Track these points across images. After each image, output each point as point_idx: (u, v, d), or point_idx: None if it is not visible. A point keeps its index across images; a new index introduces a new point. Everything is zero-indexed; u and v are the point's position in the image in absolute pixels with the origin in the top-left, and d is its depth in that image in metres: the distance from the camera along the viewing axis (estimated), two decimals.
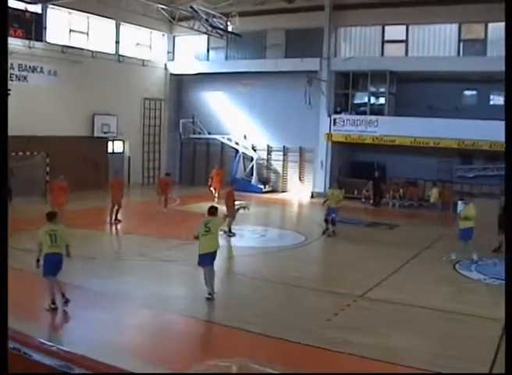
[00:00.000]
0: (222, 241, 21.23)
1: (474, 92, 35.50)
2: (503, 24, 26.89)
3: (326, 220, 23.82)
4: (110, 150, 37.09)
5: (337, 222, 23.94)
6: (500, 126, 29.28)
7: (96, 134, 34.80)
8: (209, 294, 13.71)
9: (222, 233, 21.77)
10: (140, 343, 11.49)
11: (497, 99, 34.83)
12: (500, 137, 29.35)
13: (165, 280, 15.95)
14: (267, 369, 4.11)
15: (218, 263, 18.80)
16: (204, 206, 28.12)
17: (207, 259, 13.92)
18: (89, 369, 4.27)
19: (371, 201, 33.77)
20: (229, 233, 22.22)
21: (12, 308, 5.04)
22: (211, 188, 31.63)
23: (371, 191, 34.06)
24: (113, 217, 24.37)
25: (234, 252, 20.54)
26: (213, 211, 14.62)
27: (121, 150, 38.19)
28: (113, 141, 37.07)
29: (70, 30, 33.61)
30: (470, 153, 33.79)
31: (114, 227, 24.53)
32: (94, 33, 35.31)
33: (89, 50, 34.50)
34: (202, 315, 12.84)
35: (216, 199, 30.60)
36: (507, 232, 6.31)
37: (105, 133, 35.35)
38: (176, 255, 18.44)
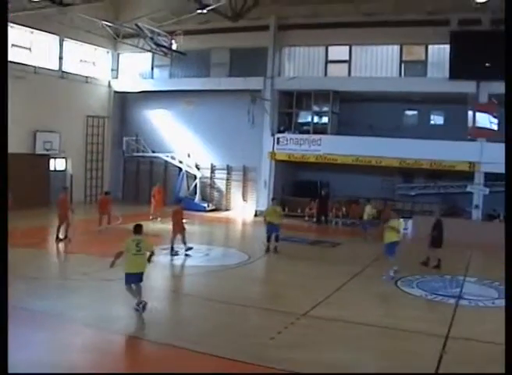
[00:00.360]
0: (165, 259, 21.28)
1: (414, 112, 36.27)
2: (442, 46, 27.67)
3: (269, 238, 23.94)
4: (52, 167, 36.55)
5: (280, 240, 24.06)
6: (440, 145, 30.18)
7: (38, 151, 34.25)
8: (138, 304, 13.88)
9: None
10: (81, 363, 11.29)
11: (437, 119, 35.73)
12: (440, 155, 30.20)
13: (107, 300, 15.73)
14: None
15: (162, 282, 18.76)
16: (148, 225, 28.15)
17: (136, 278, 13.99)
18: None
19: (315, 220, 34.02)
20: (172, 252, 22.14)
21: None
22: (152, 206, 31.56)
23: (315, 209, 34.31)
24: (59, 235, 24.07)
25: (178, 272, 20.39)
26: (139, 229, 14.47)
27: (63, 167, 37.64)
28: (55, 158, 36.54)
29: (12, 45, 33.02)
30: (411, 172, 34.39)
31: (56, 246, 24.16)
32: (37, 48, 34.84)
33: (32, 65, 34.03)
34: (144, 335, 12.69)
35: (159, 218, 30.58)
36: (506, 234, 6.39)
37: (47, 150, 34.83)
38: (118, 274, 18.14)
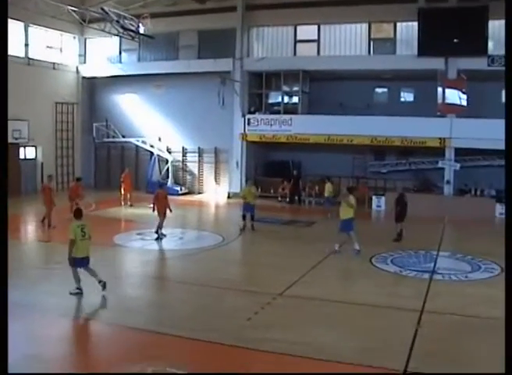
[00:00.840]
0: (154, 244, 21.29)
1: (385, 90, 36.36)
2: (410, 24, 27.73)
3: (244, 216, 24.75)
4: (22, 156, 36.18)
5: (255, 221, 24.22)
6: (411, 122, 30.35)
7: None
8: (79, 289, 14.22)
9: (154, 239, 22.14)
10: (57, 353, 11.24)
11: (407, 96, 35.86)
12: (411, 132, 30.38)
13: (83, 288, 15.65)
14: (181, 371, 4.09)
15: (137, 267, 18.70)
16: (120, 211, 28.07)
17: (83, 263, 14.29)
18: None
19: (288, 200, 34.10)
20: (160, 236, 22.27)
21: None
22: (122, 191, 31.39)
23: (288, 189, 34.38)
24: (50, 222, 24.44)
25: (153, 256, 20.36)
26: (79, 214, 14.73)
27: (33, 156, 37.29)
28: (25, 146, 36.16)
29: None
30: (383, 149, 34.52)
31: (29, 235, 24.06)
32: None
33: None
34: (121, 321, 12.61)
35: (129, 202, 30.57)
36: (507, 232, 6.42)
37: (16, 139, 34.39)
38: (92, 262, 18.13)
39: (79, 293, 14.07)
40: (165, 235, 22.49)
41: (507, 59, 7.34)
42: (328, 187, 29.08)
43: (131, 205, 30.76)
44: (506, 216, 6.60)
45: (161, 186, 25.08)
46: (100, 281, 14.29)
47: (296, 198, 34.33)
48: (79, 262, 14.16)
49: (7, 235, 4.87)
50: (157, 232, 22.26)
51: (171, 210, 23.02)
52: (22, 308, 12.88)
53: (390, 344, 11.19)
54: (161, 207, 22.46)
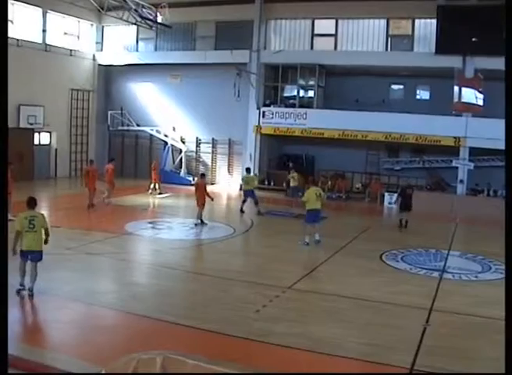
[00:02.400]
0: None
1: (401, 86, 36.20)
2: (429, 21, 27.49)
3: (244, 201, 27.05)
4: (36, 142, 36.33)
5: (265, 214, 24.43)
6: (426, 120, 30.29)
7: (22, 125, 33.94)
8: (22, 286, 12.94)
9: (194, 225, 22.95)
10: (67, 338, 11.30)
11: (423, 93, 35.70)
12: (426, 130, 30.33)
13: (92, 274, 15.71)
14: (192, 361, 4.10)
15: (148, 256, 18.76)
16: (133, 199, 28.13)
17: (29, 257, 12.96)
18: (19, 369, 4.19)
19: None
20: (203, 223, 23.33)
21: None
22: (152, 181, 31.54)
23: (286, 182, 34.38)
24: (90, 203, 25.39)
25: (163, 246, 20.40)
26: (32, 203, 13.53)
27: (48, 142, 37.46)
28: (39, 132, 36.32)
29: None
30: (397, 146, 34.43)
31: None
32: (19, 20, 34.35)
33: (14, 38, 33.60)
34: (130, 308, 12.66)
35: (158, 191, 30.86)
36: (507, 232, 6.39)
37: (31, 124, 34.56)
38: (102, 248, 18.23)
39: (21, 290, 12.87)
40: (206, 223, 23.39)
41: (507, 59, 7.28)
42: (294, 177, 29.78)
43: (160, 193, 31.47)
44: (507, 217, 6.55)
45: (202, 176, 25.24)
46: (30, 289, 12.84)
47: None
48: (23, 256, 12.91)
49: (7, 235, 4.88)
50: (201, 221, 23.40)
51: (212, 198, 24.16)
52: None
53: (398, 342, 11.16)
54: (201, 197, 23.32)
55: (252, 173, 28.36)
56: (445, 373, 9.96)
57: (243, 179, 28.68)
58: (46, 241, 13.34)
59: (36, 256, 13.03)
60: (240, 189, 27.58)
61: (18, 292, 12.77)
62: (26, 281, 12.91)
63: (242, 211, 26.80)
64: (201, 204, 23.39)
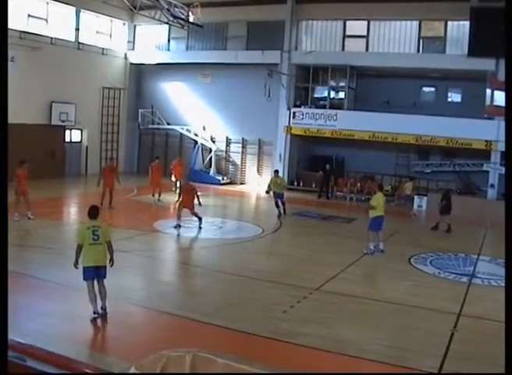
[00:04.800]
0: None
1: (432, 89, 35.96)
2: (462, 23, 27.18)
3: (277, 204, 26.27)
4: (68, 139, 36.65)
5: (294, 214, 24.36)
6: (457, 122, 29.98)
7: (53, 122, 34.28)
8: (95, 312, 11.65)
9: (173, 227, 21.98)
10: (95, 334, 11.41)
11: (455, 96, 35.38)
12: (457, 133, 30.03)
13: (121, 271, 15.80)
14: (221, 360, 4.10)
15: (176, 255, 18.85)
16: (164, 198, 28.21)
17: (95, 273, 11.72)
18: (42, 361, 4.21)
19: (318, 194, 33.85)
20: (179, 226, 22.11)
21: None
22: (173, 179, 31.34)
23: (320, 184, 34.17)
24: (102, 202, 24.62)
25: (192, 245, 20.48)
26: (94, 212, 12.14)
27: (79, 139, 37.78)
28: (71, 129, 36.63)
29: (28, 15, 32.96)
30: (427, 149, 34.19)
31: (70, 217, 24.38)
32: (53, 19, 34.68)
33: (48, 36, 33.94)
34: (159, 306, 12.74)
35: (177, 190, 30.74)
36: (507, 232, 6.33)
37: (63, 121, 34.87)
38: (131, 246, 18.34)
39: (96, 318, 11.66)
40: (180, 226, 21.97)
41: (507, 59, 7.19)
42: (276, 181, 27.16)
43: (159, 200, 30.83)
44: (507, 217, 6.46)
45: (276, 171, 25.93)
46: (103, 308, 11.75)
47: (328, 193, 34.08)
48: (88, 273, 11.67)
49: (7, 235, 4.90)
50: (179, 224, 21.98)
51: (200, 203, 22.69)
52: (63, 289, 13.08)
53: (425, 346, 11.09)
54: (188, 200, 22.21)
55: (279, 177, 27.51)
56: (445, 373, 9.94)
57: (271, 181, 27.44)
58: (111, 260, 11.95)
59: (102, 272, 11.80)
60: (268, 191, 26.94)
61: (94, 320, 11.61)
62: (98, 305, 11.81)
63: (280, 214, 26.10)
64: (184, 206, 21.88)
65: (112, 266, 11.95)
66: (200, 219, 22.26)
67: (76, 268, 11.73)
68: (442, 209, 24.59)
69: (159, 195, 27.76)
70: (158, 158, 30.39)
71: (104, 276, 11.84)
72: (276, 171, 28.29)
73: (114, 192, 25.65)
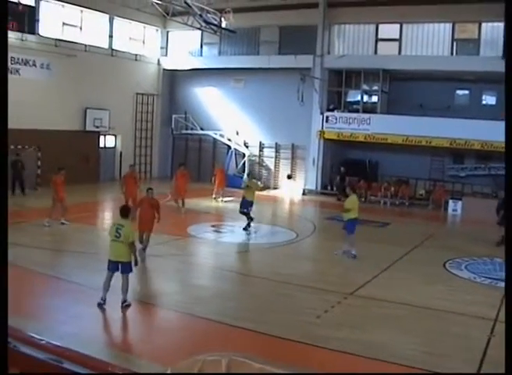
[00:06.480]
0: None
1: (466, 92, 35.56)
2: (496, 24, 26.81)
3: (244, 213, 22.83)
4: (102, 144, 36.99)
5: (329, 219, 24.12)
6: (492, 126, 29.52)
7: (88, 128, 34.67)
8: (102, 299, 12.46)
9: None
10: (129, 337, 11.49)
11: (489, 99, 34.92)
12: (492, 136, 29.59)
13: (154, 275, 15.92)
14: (256, 364, 4.10)
15: (209, 259, 18.90)
16: (196, 202, 28.30)
17: (114, 267, 12.51)
18: (78, 363, 4.25)
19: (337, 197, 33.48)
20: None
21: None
22: (215, 186, 31.30)
23: (337, 187, 33.97)
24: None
25: (225, 249, 20.52)
26: (124, 212, 13.04)
27: (113, 145, 38.11)
28: (105, 135, 36.97)
29: (63, 24, 33.40)
30: (461, 152, 33.86)
31: (105, 221, 24.57)
32: (87, 26, 35.10)
33: (82, 43, 34.33)
34: (191, 310, 12.78)
35: (215, 195, 30.74)
36: (507, 232, 6.30)
37: (97, 127, 35.23)
38: (166, 251, 18.44)
39: (102, 304, 12.46)
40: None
41: (507, 59, 7.11)
42: (251, 186, 24.23)
43: (222, 200, 31.02)
44: (507, 218, 6.39)
45: (148, 190, 18.88)
46: (124, 301, 12.55)
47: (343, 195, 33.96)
48: (109, 265, 12.56)
49: (7, 235, 4.95)
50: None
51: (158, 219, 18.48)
52: (95, 292, 13.19)
53: (461, 351, 10.99)
54: (146, 217, 18.27)
55: (253, 180, 25.21)
56: (445, 372, 9.85)
57: (245, 184, 24.44)
58: (135, 260, 12.70)
59: (125, 268, 12.52)
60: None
61: (99, 305, 12.41)
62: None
63: (247, 228, 22.70)
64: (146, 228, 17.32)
65: (136, 265, 12.78)
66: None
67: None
68: (501, 220, 21.27)
69: (183, 203, 26.63)
70: (183, 164, 30.20)
71: (128, 272, 12.57)
72: (248, 174, 27.21)
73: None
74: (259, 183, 22.93)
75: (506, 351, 5.05)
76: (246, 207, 22.71)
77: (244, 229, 22.33)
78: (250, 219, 22.65)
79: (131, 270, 12.68)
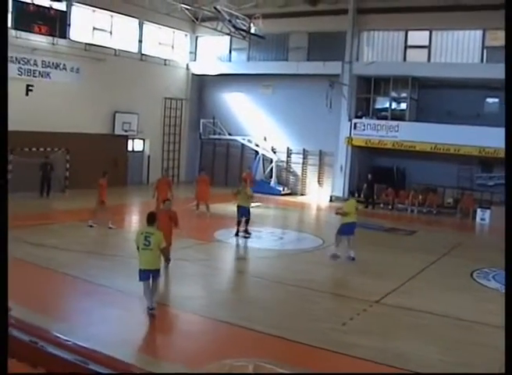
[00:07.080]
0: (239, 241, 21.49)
1: (496, 100, 35.16)
2: None
3: (239, 223, 22.48)
4: (130, 148, 37.25)
5: (357, 226, 24.03)
6: None
7: (116, 132, 34.94)
8: (150, 308, 12.38)
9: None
10: (154, 341, 11.53)
11: None
12: None
13: (180, 280, 15.95)
14: (282, 370, 4.11)
15: (235, 264, 18.93)
16: (222, 207, 28.34)
17: (146, 276, 12.39)
18: (103, 365, 4.28)
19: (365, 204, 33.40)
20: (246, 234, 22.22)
21: (26, 302, 5.09)
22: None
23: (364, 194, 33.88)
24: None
25: (251, 255, 20.53)
26: (151, 219, 12.78)
27: (141, 148, 38.34)
28: (133, 139, 37.21)
29: (94, 28, 33.72)
30: (490, 161, 33.53)
31: (132, 224, 24.72)
32: (117, 31, 35.41)
33: (112, 48, 34.62)
34: (216, 315, 12.82)
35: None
36: (507, 232, 6.27)
37: (126, 131, 35.47)
38: (190, 255, 18.49)
39: (152, 309, 12.38)
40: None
41: (507, 59, 7.04)
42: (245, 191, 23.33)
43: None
44: (507, 218, 6.31)
45: (165, 201, 18.86)
46: (151, 309, 12.37)
47: (372, 202, 33.82)
48: (141, 275, 12.38)
49: (7, 234, 4.97)
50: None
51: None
52: (123, 296, 13.27)
53: (487, 362, 10.86)
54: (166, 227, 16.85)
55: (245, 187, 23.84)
56: (444, 373, 9.83)
57: (238, 191, 23.07)
58: (166, 260, 12.94)
59: (156, 275, 12.55)
60: (235, 194, 23.52)
61: (151, 315, 12.31)
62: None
63: (237, 234, 22.33)
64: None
65: (168, 262, 13.76)
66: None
67: None
68: None
69: (207, 208, 26.43)
70: (203, 169, 30.26)
71: (158, 278, 12.68)
72: (244, 179, 27.45)
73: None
74: (250, 191, 22.37)
75: (506, 351, 5.01)
76: (246, 214, 22.40)
77: (245, 237, 22.23)
78: (246, 223, 22.50)
79: (159, 275, 12.81)
